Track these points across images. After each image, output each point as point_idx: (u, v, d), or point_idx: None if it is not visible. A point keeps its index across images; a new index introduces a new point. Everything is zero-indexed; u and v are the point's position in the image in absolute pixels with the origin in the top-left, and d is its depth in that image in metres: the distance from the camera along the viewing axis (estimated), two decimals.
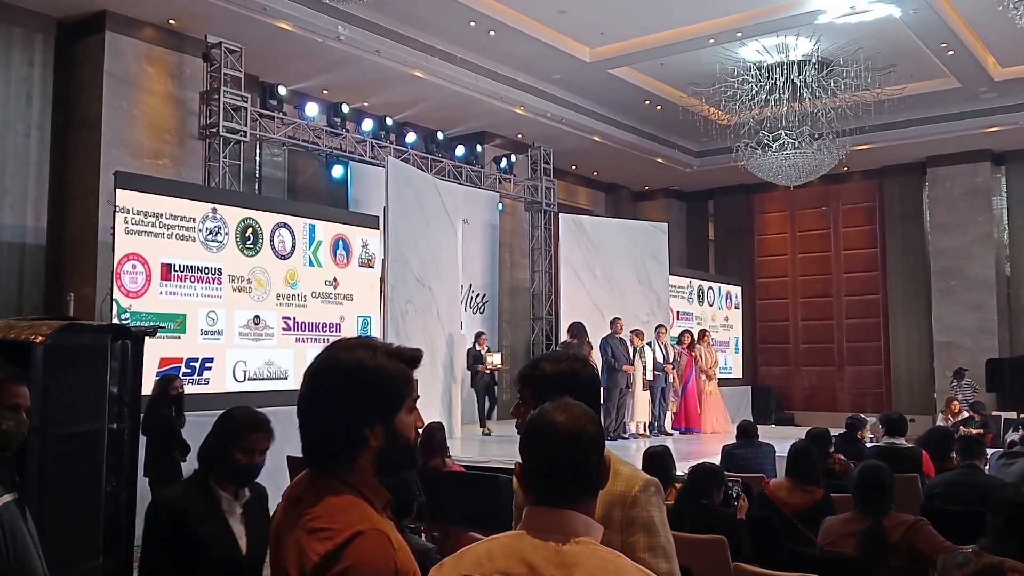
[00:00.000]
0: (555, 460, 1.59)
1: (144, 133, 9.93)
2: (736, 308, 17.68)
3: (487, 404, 12.33)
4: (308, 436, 1.63)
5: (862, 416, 8.03)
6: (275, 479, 7.45)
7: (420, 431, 1.77)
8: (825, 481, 5.49)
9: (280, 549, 1.61)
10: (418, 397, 1.71)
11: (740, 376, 17.35)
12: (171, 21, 10.04)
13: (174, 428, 6.49)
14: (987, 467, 5.98)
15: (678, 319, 15.73)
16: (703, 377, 13.52)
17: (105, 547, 4.27)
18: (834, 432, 7.20)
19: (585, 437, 1.60)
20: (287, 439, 7.70)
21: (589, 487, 1.61)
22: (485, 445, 10.75)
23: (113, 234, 8.04)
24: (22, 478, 2.98)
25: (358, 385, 1.60)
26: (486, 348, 12.49)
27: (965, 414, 11.48)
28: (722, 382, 14.36)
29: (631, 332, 12.38)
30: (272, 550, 1.66)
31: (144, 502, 5.91)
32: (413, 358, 1.68)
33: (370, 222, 10.67)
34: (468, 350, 12.31)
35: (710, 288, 16.93)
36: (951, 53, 12.36)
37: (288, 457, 6.88)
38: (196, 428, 7.22)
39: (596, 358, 11.79)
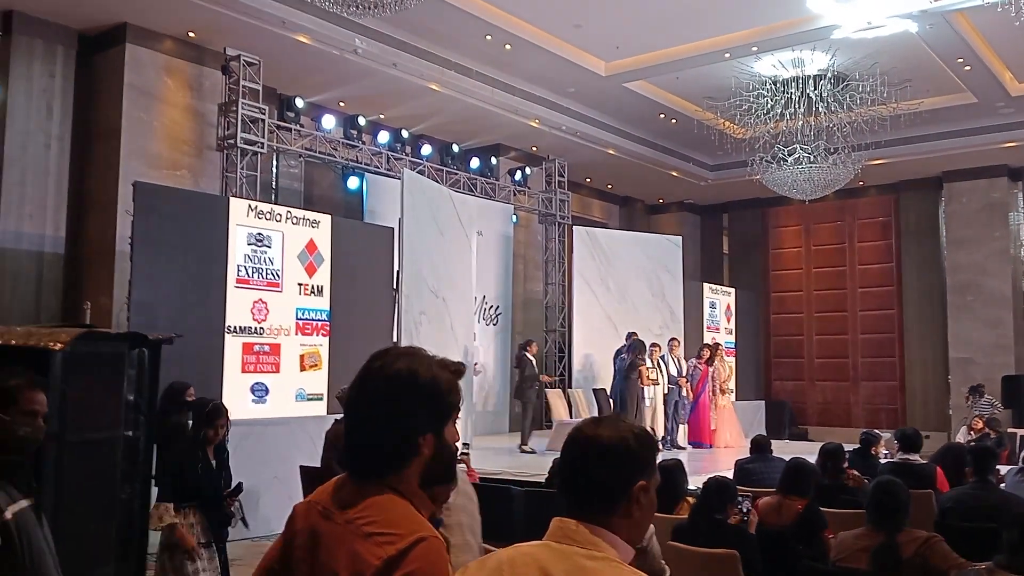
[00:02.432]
0: (576, 468, 1.58)
1: (163, 144, 10.03)
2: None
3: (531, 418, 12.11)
4: (359, 443, 1.63)
5: (876, 432, 7.96)
6: (288, 487, 7.47)
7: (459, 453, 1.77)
8: (841, 497, 5.49)
9: (320, 554, 1.60)
10: (459, 410, 1.72)
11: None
12: (191, 34, 10.15)
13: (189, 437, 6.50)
14: (1003, 483, 5.95)
15: (708, 330, 15.76)
16: (717, 391, 13.46)
17: (118, 555, 4.29)
18: (848, 447, 7.17)
19: (611, 449, 1.56)
20: (297, 447, 7.74)
21: (611, 503, 1.55)
22: (499, 456, 10.74)
23: (132, 244, 8.10)
24: (38, 484, 3.01)
25: (415, 393, 1.61)
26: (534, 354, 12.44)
27: (986, 430, 11.35)
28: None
29: (650, 344, 12.39)
30: (303, 555, 1.64)
31: None
32: (458, 371, 1.70)
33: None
34: (518, 356, 12.36)
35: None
36: (968, 68, 12.33)
37: (301, 467, 6.91)
38: None
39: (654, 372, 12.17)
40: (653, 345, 12.53)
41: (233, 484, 5.08)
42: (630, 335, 12.46)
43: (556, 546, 1.52)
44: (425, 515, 1.59)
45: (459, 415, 1.71)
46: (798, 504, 4.89)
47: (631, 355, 11.98)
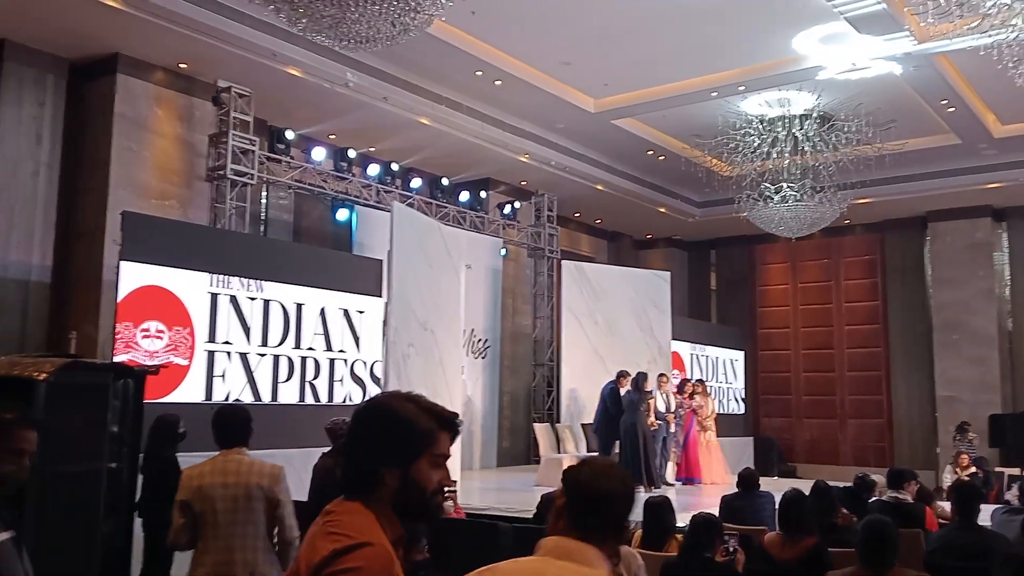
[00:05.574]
0: (592, 501, 1.81)
1: (152, 174, 10.02)
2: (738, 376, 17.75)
3: None
4: (345, 463, 1.89)
5: (873, 479, 7.73)
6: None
7: (446, 489, 1.90)
8: (830, 536, 5.43)
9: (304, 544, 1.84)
10: (447, 456, 1.85)
11: (741, 411, 17.42)
12: (182, 65, 10.19)
13: (180, 471, 6.38)
14: (990, 522, 5.93)
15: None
16: (699, 428, 13.39)
17: None
18: (833, 484, 7.12)
19: (622, 495, 1.86)
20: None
21: (617, 532, 1.82)
22: (486, 492, 10.65)
23: (117, 273, 8.06)
24: (20, 515, 2.96)
25: (384, 427, 1.81)
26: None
27: (973, 468, 11.32)
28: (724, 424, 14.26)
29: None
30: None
31: (138, 544, 5.84)
32: (447, 419, 1.86)
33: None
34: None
35: (707, 358, 16.91)
36: (951, 110, 12.50)
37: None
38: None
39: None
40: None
41: None
42: (623, 373, 12.34)
43: (556, 562, 1.71)
44: (390, 535, 1.74)
45: (442, 459, 1.84)
46: (808, 541, 4.81)
47: (636, 390, 11.95)
